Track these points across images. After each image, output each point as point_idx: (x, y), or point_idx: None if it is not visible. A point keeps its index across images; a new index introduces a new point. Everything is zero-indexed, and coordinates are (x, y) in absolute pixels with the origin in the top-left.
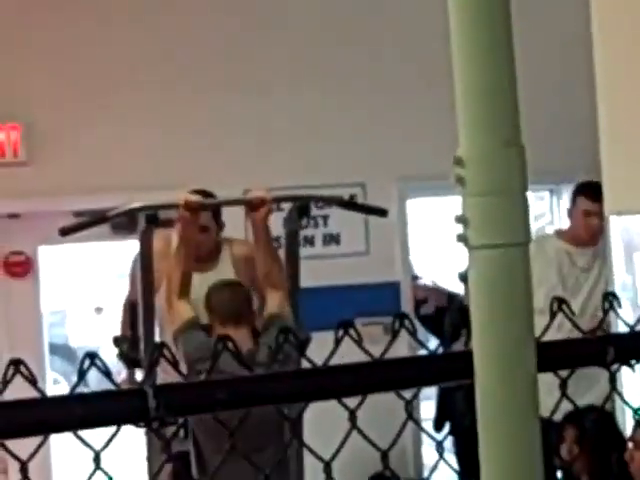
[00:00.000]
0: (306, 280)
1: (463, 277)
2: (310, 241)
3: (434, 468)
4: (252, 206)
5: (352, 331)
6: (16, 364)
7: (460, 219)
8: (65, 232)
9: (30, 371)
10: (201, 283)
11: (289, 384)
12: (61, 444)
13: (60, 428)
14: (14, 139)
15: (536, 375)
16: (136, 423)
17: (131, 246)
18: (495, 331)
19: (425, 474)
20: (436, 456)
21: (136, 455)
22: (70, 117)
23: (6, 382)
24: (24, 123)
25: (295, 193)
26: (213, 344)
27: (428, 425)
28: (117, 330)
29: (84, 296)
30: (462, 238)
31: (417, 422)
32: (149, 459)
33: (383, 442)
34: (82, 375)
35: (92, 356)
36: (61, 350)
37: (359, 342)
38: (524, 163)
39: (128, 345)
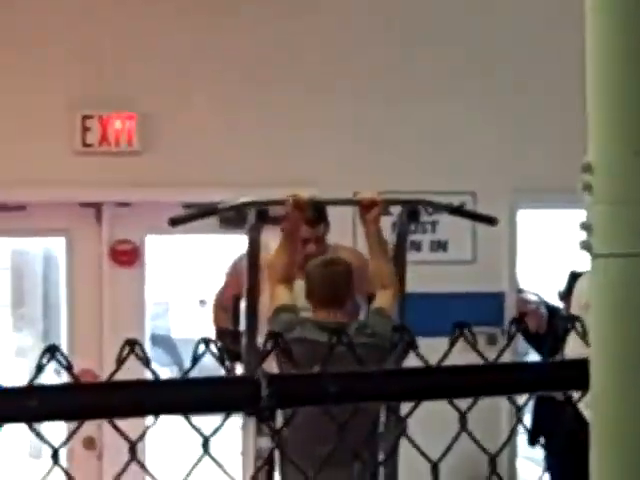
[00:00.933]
0: (411, 285)
1: (562, 296)
2: (417, 246)
3: None
4: (363, 207)
5: (467, 332)
6: (131, 344)
7: (585, 226)
8: (175, 222)
9: (144, 352)
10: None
11: (401, 382)
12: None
13: (171, 411)
14: (129, 128)
15: None
16: (246, 410)
17: (238, 241)
18: (616, 339)
19: None
20: (530, 470)
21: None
22: (185, 108)
23: (121, 361)
24: (140, 113)
25: (405, 197)
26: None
27: (522, 438)
28: (212, 325)
29: (188, 288)
30: (586, 245)
31: (525, 426)
32: (244, 454)
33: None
34: (196, 360)
35: (207, 342)
36: (162, 342)
37: (474, 344)
38: None
39: (230, 339)
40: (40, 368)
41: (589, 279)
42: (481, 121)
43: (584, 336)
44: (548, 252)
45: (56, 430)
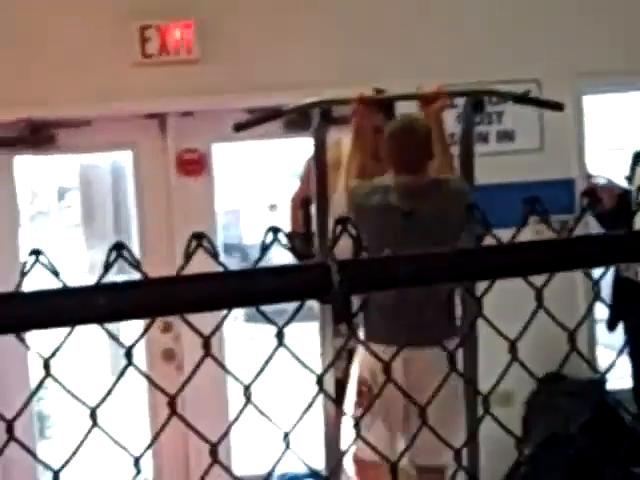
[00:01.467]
0: (480, 177)
1: (629, 178)
2: (484, 138)
3: (609, 368)
4: (427, 100)
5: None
6: (198, 237)
7: None
8: (239, 128)
9: (213, 245)
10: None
11: (475, 260)
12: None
13: (243, 302)
14: (188, 37)
15: None
16: (319, 297)
17: (303, 144)
18: None
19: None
20: (611, 357)
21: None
22: (243, 13)
23: (189, 255)
24: (198, 20)
25: (469, 88)
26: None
27: (601, 326)
28: (287, 227)
29: (257, 194)
30: None
31: (603, 300)
32: (323, 354)
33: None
34: (265, 249)
35: (276, 230)
36: (235, 249)
37: (546, 217)
38: None
39: (301, 241)
40: (108, 266)
41: None
42: (543, 6)
43: None
44: (616, 137)
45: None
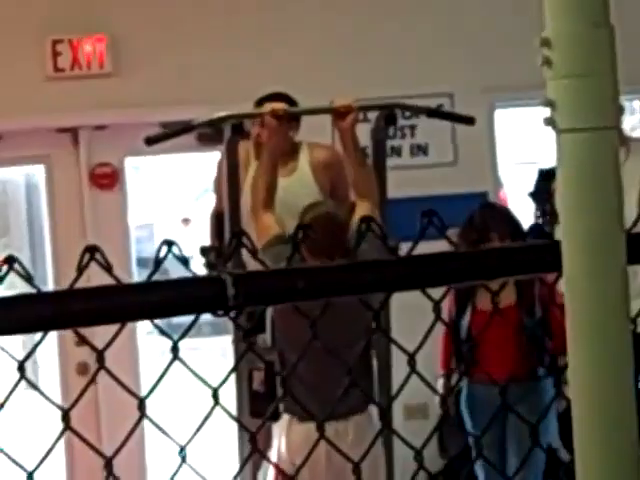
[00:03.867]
0: (393, 191)
1: (532, 194)
2: (397, 151)
3: None
4: (338, 114)
5: (436, 220)
6: (92, 251)
7: (547, 102)
8: (150, 141)
9: (105, 258)
10: (281, 188)
11: (370, 273)
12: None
13: (137, 315)
14: (100, 50)
15: (626, 267)
16: (214, 311)
17: (216, 157)
18: (583, 219)
19: None
20: None
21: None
22: (154, 28)
23: (81, 269)
24: (109, 34)
25: (381, 102)
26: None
27: None
28: (206, 241)
29: (171, 208)
30: (549, 122)
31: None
32: (236, 369)
33: None
34: (159, 263)
35: (170, 243)
36: (149, 263)
37: (442, 230)
38: (613, 45)
39: (215, 255)
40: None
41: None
42: (458, 22)
43: None
44: (528, 151)
45: (49, 354)
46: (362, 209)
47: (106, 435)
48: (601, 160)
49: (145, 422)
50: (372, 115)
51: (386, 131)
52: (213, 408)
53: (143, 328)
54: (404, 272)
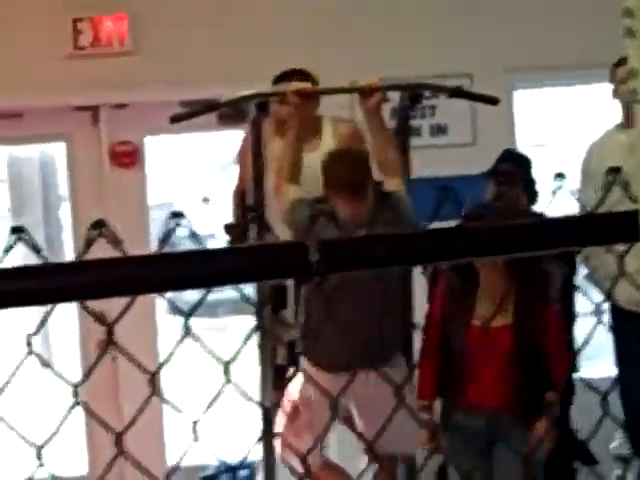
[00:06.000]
0: (414, 170)
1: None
2: (417, 132)
3: None
4: (364, 94)
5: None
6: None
7: (630, 73)
8: (175, 119)
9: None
10: (307, 163)
11: (450, 241)
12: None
13: (222, 281)
14: (120, 29)
15: None
16: (297, 277)
17: (236, 136)
18: None
19: None
20: None
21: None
22: (175, 6)
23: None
24: (130, 13)
25: (405, 82)
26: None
27: None
28: (228, 219)
29: (191, 187)
30: (632, 93)
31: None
32: (261, 346)
33: None
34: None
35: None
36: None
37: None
38: None
39: (239, 231)
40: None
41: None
42: (476, 2)
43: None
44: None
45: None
46: (392, 185)
47: (127, 414)
48: None
49: (168, 397)
50: (393, 96)
51: (411, 110)
52: (224, 385)
53: (162, 307)
54: (487, 242)
